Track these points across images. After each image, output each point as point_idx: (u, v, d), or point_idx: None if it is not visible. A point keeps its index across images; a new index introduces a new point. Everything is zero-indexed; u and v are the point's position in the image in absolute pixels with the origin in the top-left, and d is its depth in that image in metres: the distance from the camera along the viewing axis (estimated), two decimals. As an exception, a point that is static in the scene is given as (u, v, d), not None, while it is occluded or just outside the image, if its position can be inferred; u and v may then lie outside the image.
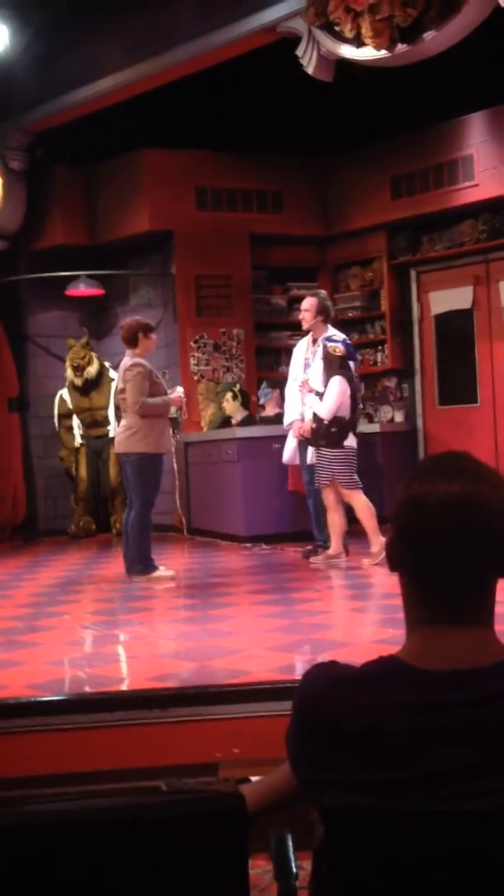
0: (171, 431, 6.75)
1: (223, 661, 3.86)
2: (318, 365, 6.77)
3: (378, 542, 6.49)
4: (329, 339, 6.77)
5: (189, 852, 1.38)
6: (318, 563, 6.64)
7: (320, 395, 6.65)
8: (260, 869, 2.51)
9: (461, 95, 8.38)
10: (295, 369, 7.19)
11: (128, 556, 6.48)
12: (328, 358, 6.68)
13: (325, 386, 6.65)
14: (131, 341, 6.50)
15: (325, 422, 6.60)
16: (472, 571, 1.39)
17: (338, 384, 6.58)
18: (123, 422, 6.52)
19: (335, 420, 6.60)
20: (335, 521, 6.66)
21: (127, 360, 6.49)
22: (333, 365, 6.65)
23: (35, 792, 2.98)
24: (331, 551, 6.66)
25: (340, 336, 6.87)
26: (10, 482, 9.76)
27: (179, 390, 6.68)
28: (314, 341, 6.95)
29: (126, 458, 6.45)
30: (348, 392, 6.64)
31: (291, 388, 7.13)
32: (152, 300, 9.83)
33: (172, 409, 6.67)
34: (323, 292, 7.41)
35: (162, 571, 6.38)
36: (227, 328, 9.50)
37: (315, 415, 6.69)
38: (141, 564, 6.35)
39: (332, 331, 6.98)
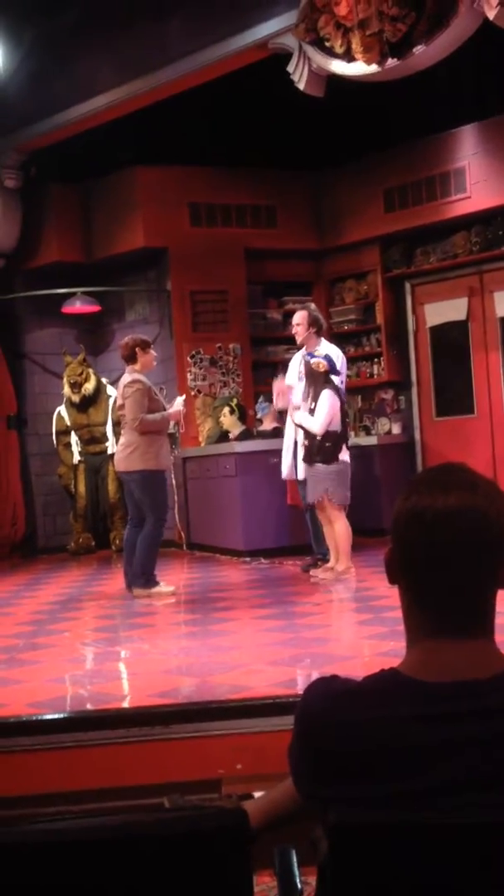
0: (169, 447, 6.75)
1: (225, 677, 3.85)
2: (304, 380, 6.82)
3: (345, 563, 6.51)
4: (311, 354, 6.76)
5: (193, 869, 1.37)
6: (325, 579, 6.55)
7: (311, 411, 6.63)
8: (265, 885, 2.50)
9: (452, 108, 8.43)
10: (291, 383, 7.20)
11: (128, 572, 6.49)
12: (312, 374, 6.68)
13: (312, 401, 6.63)
14: (130, 358, 6.53)
15: (319, 437, 6.58)
16: (470, 583, 1.40)
17: (328, 398, 6.55)
18: (122, 439, 6.54)
19: (329, 434, 6.56)
20: (341, 533, 6.61)
21: (126, 377, 6.51)
22: (318, 380, 6.63)
23: (37, 810, 2.97)
24: (339, 567, 6.55)
25: (323, 351, 6.83)
26: (9, 500, 9.76)
27: (179, 402, 6.67)
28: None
29: (128, 477, 6.45)
30: (339, 405, 6.62)
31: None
32: (148, 316, 9.85)
33: (171, 424, 6.68)
34: (313, 305, 7.44)
35: (162, 587, 6.37)
36: (224, 343, 9.52)
37: (307, 431, 6.66)
38: (143, 578, 6.34)
39: (324, 344, 6.99)
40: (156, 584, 6.37)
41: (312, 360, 6.70)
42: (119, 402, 6.56)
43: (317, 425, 6.56)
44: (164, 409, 6.52)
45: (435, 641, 1.40)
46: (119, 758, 3.24)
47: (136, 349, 6.51)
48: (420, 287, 9.46)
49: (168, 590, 6.36)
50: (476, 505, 1.38)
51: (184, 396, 6.90)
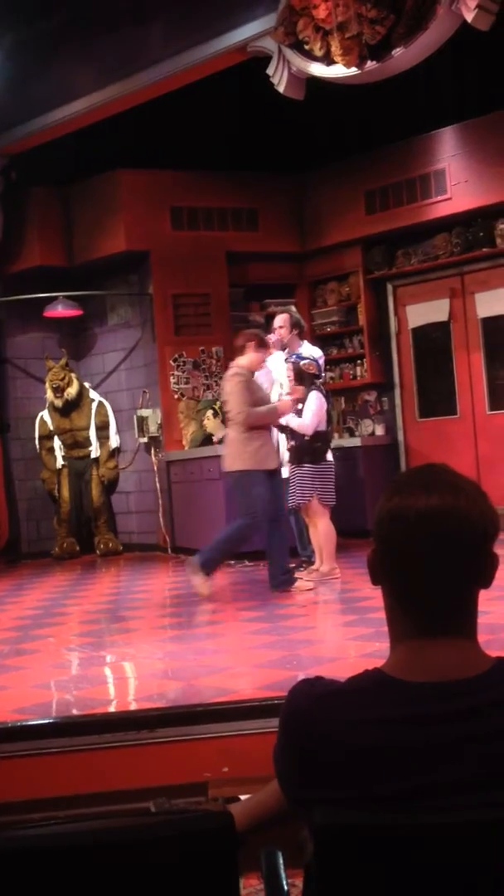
0: (273, 444, 6.38)
1: (210, 680, 3.85)
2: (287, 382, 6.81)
3: (329, 565, 6.51)
4: (299, 356, 6.78)
5: (179, 873, 1.37)
6: (309, 581, 6.55)
7: (298, 412, 6.64)
8: (252, 888, 2.50)
9: (432, 110, 8.47)
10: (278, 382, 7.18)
11: (272, 573, 6.26)
12: (300, 375, 6.70)
13: (300, 402, 6.65)
14: (242, 349, 6.29)
15: (307, 437, 6.60)
16: (452, 583, 1.40)
17: (316, 399, 6.60)
18: (226, 437, 6.35)
19: (317, 434, 6.60)
20: (325, 534, 6.60)
21: (229, 370, 6.34)
22: (306, 381, 6.66)
23: (23, 817, 2.95)
24: (324, 568, 6.56)
25: (308, 353, 6.88)
26: (-8, 505, 9.72)
27: (288, 398, 6.49)
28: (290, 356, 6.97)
29: (229, 476, 6.24)
30: (325, 407, 6.67)
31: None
32: (130, 320, 9.84)
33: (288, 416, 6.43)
34: (293, 307, 7.47)
35: (207, 585, 6.08)
36: (206, 346, 9.52)
37: (293, 432, 6.65)
38: (204, 570, 6.04)
39: (306, 346, 7.02)
40: (207, 576, 6.05)
41: (302, 363, 6.71)
42: (223, 396, 6.31)
43: (304, 425, 6.57)
44: (269, 402, 6.32)
45: (418, 642, 1.41)
46: (105, 762, 3.23)
47: (252, 342, 6.23)
48: (402, 289, 9.49)
49: (205, 588, 6.06)
50: (458, 506, 1.38)
51: (288, 389, 6.65)
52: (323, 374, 7.05)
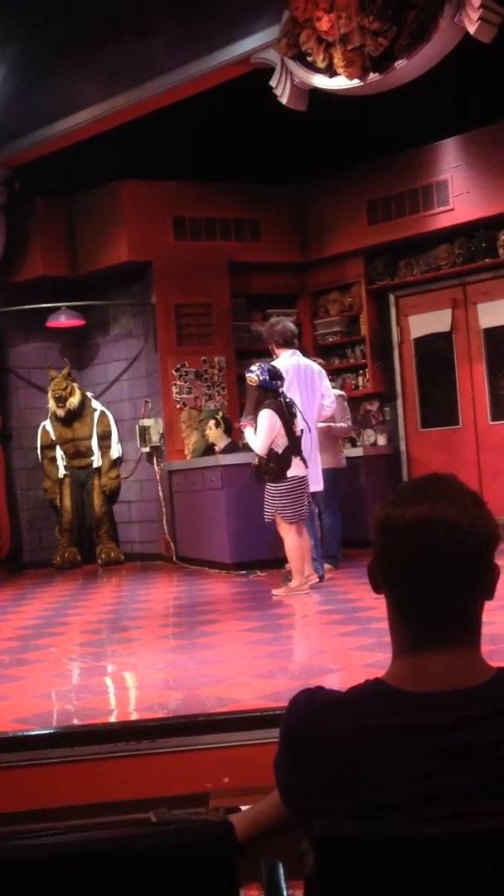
0: None
1: (211, 690, 3.84)
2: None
3: (297, 580, 6.39)
4: (249, 370, 6.61)
5: (180, 884, 1.37)
6: (277, 594, 6.42)
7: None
8: (252, 899, 2.49)
9: (435, 121, 8.49)
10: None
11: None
12: (248, 390, 6.57)
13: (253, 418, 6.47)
14: None
15: (264, 457, 6.43)
16: (447, 593, 1.39)
17: (266, 418, 6.33)
18: None
19: (271, 454, 6.39)
20: (291, 550, 6.45)
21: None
22: (251, 395, 6.52)
23: (24, 827, 2.95)
24: (293, 583, 6.42)
25: (258, 365, 6.58)
26: (-6, 515, 9.72)
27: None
28: None
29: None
30: (279, 423, 6.36)
31: None
32: (133, 330, 9.86)
33: None
34: (272, 320, 7.37)
35: None
36: (209, 356, 9.53)
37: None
38: None
39: (281, 357, 6.92)
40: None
41: (247, 375, 6.56)
42: None
43: (257, 446, 6.43)
44: None
45: (419, 651, 1.40)
46: (106, 773, 3.22)
47: None
48: (404, 299, 9.50)
49: None
50: (446, 515, 1.37)
51: None
52: (275, 387, 6.48)
